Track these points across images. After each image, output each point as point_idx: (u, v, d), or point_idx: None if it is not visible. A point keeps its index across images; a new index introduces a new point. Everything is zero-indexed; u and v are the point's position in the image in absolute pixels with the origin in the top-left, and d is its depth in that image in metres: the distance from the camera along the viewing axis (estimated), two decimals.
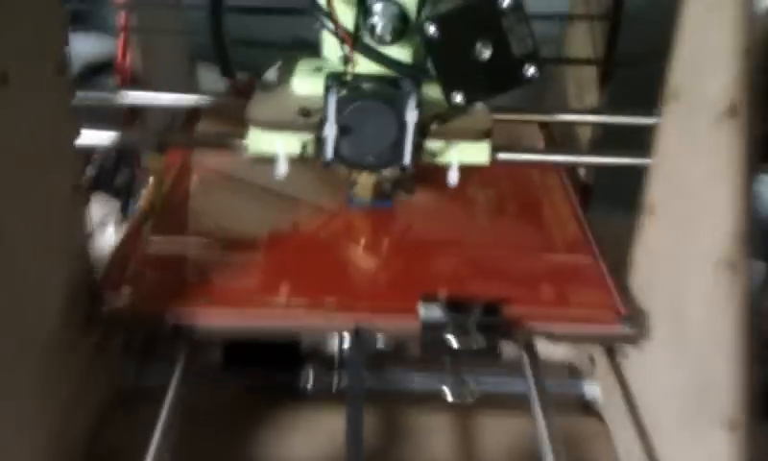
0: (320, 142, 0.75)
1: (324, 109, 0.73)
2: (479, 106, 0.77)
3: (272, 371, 0.73)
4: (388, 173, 0.79)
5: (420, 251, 0.83)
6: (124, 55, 0.89)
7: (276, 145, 0.76)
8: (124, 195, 0.95)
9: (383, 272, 0.79)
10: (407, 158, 0.75)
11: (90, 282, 0.67)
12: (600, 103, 0.99)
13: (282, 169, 0.77)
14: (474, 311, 0.71)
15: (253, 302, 0.71)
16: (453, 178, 0.78)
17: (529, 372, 0.71)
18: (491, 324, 0.70)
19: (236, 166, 0.91)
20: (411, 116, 0.72)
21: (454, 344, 0.69)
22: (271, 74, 0.82)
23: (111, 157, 0.98)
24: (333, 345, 0.72)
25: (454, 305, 0.69)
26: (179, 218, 0.86)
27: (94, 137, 0.77)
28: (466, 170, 0.77)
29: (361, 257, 0.82)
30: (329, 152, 0.74)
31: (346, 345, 0.72)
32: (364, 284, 0.77)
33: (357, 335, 0.69)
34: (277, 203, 0.87)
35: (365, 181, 0.85)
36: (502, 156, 0.79)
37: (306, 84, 0.78)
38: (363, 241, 0.85)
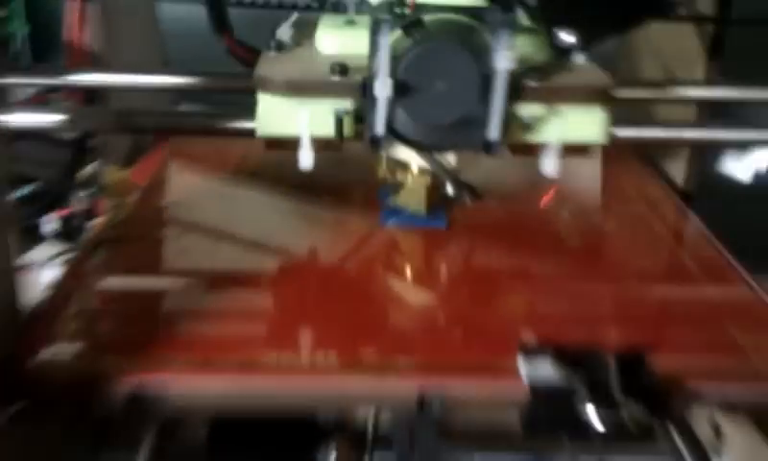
0: (360, 114, 0.51)
1: (370, 60, 0.49)
2: (583, 59, 0.53)
3: (279, 451, 0.51)
4: (457, 162, 0.54)
5: (493, 285, 0.60)
6: (80, 27, 0.65)
7: (298, 120, 0.51)
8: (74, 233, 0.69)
9: (447, 315, 0.57)
10: (494, 132, 0.50)
11: (14, 332, 0.49)
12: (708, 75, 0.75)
13: (307, 160, 0.53)
14: (618, 369, 0.45)
15: (257, 361, 0.50)
16: (551, 165, 0.54)
17: (688, 452, 0.47)
18: (651, 388, 0.45)
19: (227, 179, 0.71)
20: (502, 62, 0.48)
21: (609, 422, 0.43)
22: (283, 32, 0.57)
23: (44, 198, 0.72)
24: (365, 414, 0.51)
25: (583, 358, 0.43)
26: (144, 250, 0.64)
27: (33, 119, 0.53)
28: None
29: (413, 296, 0.57)
30: (379, 124, 0.49)
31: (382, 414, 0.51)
32: (423, 333, 0.55)
33: (422, 407, 0.47)
34: (285, 224, 0.66)
35: (416, 185, 0.60)
36: (624, 131, 0.55)
37: (336, 38, 0.54)
38: (412, 273, 0.61)
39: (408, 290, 0.59)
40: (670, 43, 0.81)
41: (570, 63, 0.53)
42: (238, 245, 0.63)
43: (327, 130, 0.52)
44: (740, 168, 0.92)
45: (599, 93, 0.53)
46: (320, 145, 0.53)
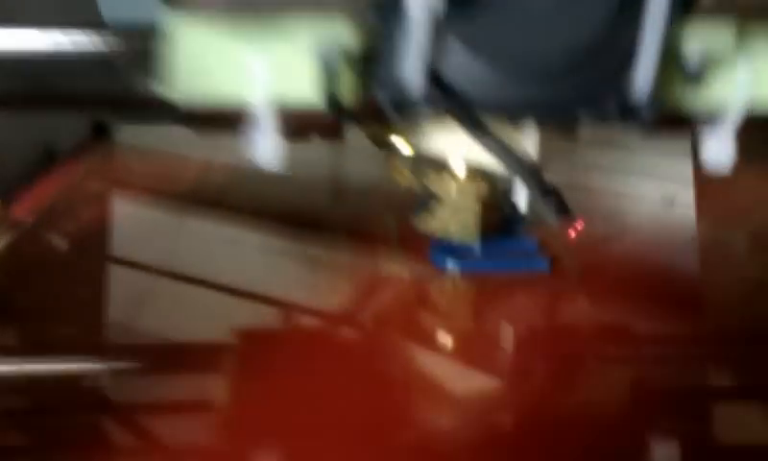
0: (371, 57, 0.29)
1: None
2: None
3: None
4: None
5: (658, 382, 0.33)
6: None
7: (247, 71, 0.29)
8: None
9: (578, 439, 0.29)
10: (646, 81, 0.27)
11: None
12: None
13: (268, 148, 0.31)
14: None
15: None
16: (725, 151, 0.32)
17: None
18: None
19: (173, 207, 0.49)
20: None
21: None
22: None
23: None
24: None
25: None
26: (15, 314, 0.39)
27: None
28: None
29: (493, 403, 0.30)
30: (413, 67, 0.26)
31: None
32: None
33: None
34: (258, 271, 0.42)
35: (464, 196, 0.39)
36: None
37: None
38: (491, 362, 0.34)
39: (483, 395, 0.32)
40: None
41: None
42: (189, 304, 0.38)
43: (304, 89, 0.30)
44: None
45: None
46: (297, 123, 0.30)
